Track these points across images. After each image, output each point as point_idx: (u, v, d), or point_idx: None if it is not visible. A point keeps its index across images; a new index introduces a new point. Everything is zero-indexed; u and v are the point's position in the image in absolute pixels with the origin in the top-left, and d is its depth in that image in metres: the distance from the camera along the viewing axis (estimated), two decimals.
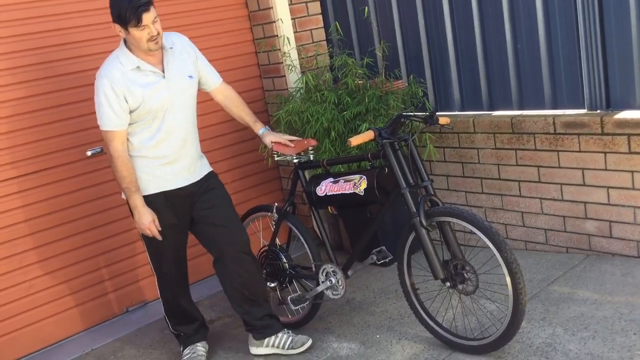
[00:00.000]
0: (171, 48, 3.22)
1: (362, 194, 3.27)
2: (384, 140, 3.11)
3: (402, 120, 3.15)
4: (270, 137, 3.51)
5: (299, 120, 4.25)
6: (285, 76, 4.65)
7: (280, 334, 3.46)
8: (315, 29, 4.82)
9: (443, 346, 3.24)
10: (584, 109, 3.74)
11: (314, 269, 3.58)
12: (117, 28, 3.04)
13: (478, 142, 4.16)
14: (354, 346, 3.44)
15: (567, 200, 3.87)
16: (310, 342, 3.44)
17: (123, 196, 3.26)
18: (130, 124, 3.15)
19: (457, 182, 4.39)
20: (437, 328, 3.26)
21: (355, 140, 3.10)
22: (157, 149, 3.20)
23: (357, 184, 3.29)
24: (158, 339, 3.94)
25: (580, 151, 3.72)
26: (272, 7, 4.56)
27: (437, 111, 4.38)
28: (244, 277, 3.38)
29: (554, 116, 3.78)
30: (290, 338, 3.44)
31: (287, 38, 4.59)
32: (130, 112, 3.11)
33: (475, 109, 4.25)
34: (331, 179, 3.43)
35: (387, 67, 4.52)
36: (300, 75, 4.57)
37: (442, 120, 3.19)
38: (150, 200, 3.23)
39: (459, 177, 4.36)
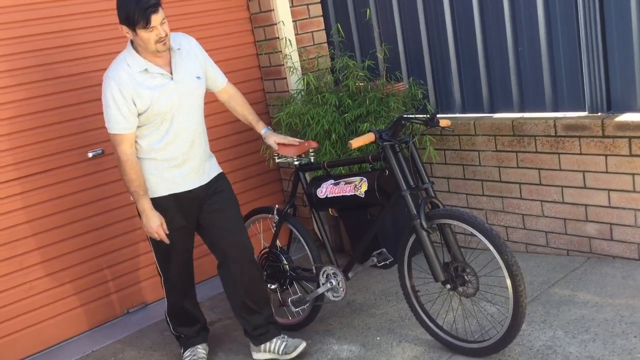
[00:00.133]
0: (179, 49, 3.18)
1: (363, 196, 3.27)
2: (385, 143, 3.11)
3: (403, 122, 3.15)
4: (273, 138, 3.51)
5: (300, 122, 4.25)
6: (286, 78, 4.66)
7: (274, 340, 3.44)
8: (317, 31, 4.83)
9: (443, 349, 3.24)
10: (585, 111, 3.74)
11: (314, 271, 3.58)
12: (125, 30, 3.01)
13: (479, 145, 4.16)
14: (355, 348, 3.44)
15: (567, 203, 3.87)
16: (303, 345, 3.41)
17: (132, 197, 3.24)
18: (138, 127, 3.12)
19: (457, 184, 4.39)
20: (437, 330, 3.25)
21: (356, 143, 3.10)
22: (166, 151, 3.18)
23: (357, 186, 3.29)
24: (158, 341, 3.94)
25: (581, 154, 3.72)
26: (273, 10, 4.57)
27: (438, 113, 4.38)
28: (246, 283, 3.37)
29: (555, 119, 3.78)
30: (284, 343, 3.42)
31: (289, 40, 4.60)
32: (139, 114, 3.08)
33: (476, 111, 4.25)
34: (332, 181, 3.44)
35: (388, 70, 4.53)
36: (301, 76, 4.58)
37: (442, 123, 3.20)
38: (160, 203, 3.21)
39: (460, 179, 4.36)
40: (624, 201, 3.63)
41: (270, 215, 3.73)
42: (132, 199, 3.24)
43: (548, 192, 3.94)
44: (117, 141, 3.10)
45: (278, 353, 3.42)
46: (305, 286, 3.79)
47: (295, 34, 4.69)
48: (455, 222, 3.01)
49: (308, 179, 3.66)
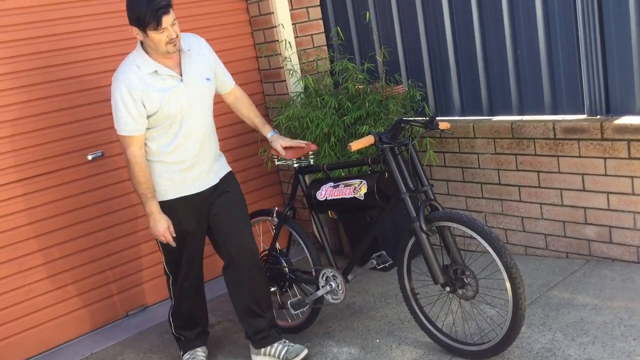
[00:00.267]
0: (188, 50, 3.15)
1: (362, 199, 3.28)
2: (384, 145, 3.11)
3: (402, 125, 3.16)
4: (280, 142, 3.47)
5: (299, 125, 4.26)
6: (285, 81, 4.66)
7: (275, 344, 3.42)
8: (316, 34, 4.84)
9: (443, 351, 3.24)
10: (584, 114, 3.74)
11: (314, 274, 3.59)
12: (135, 31, 2.97)
13: (478, 147, 4.17)
14: (354, 351, 3.44)
15: (567, 206, 3.88)
16: (305, 352, 3.40)
17: (140, 199, 3.19)
18: (148, 129, 3.10)
19: (457, 187, 4.39)
20: (436, 333, 3.26)
21: (356, 145, 3.11)
22: (175, 154, 3.16)
23: (357, 189, 3.29)
24: (158, 343, 3.94)
25: (580, 156, 3.72)
26: (273, 12, 4.58)
27: (437, 116, 4.39)
28: (251, 287, 3.36)
29: (554, 121, 3.79)
30: (286, 348, 3.41)
31: (288, 43, 4.60)
32: (148, 116, 3.06)
33: (475, 114, 4.26)
34: (331, 184, 3.44)
35: (387, 72, 4.53)
36: (299, 78, 4.59)
37: (442, 126, 3.20)
38: (170, 205, 3.19)
39: (459, 182, 4.36)
40: (623, 204, 3.63)
41: (269, 218, 3.73)
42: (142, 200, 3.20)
43: (547, 195, 3.94)
44: (126, 143, 3.08)
45: (279, 358, 3.40)
46: (304, 289, 3.79)
47: (295, 37, 4.69)
48: (454, 225, 3.01)
49: (308, 181, 3.67)
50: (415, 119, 3.23)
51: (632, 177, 3.55)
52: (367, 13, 4.57)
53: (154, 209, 3.13)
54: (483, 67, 4.13)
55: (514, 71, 4.00)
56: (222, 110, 3.69)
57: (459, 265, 3.08)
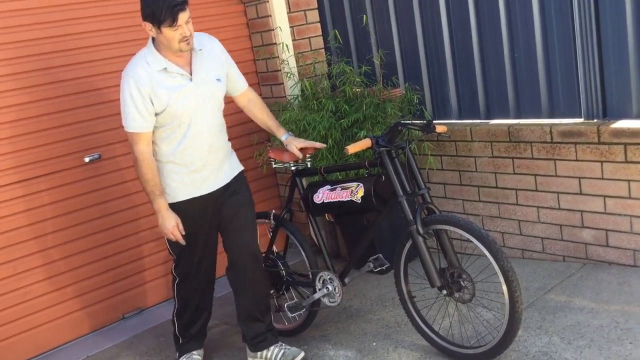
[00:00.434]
0: (200, 50, 3.12)
1: (359, 202, 3.28)
2: (381, 148, 3.12)
3: (400, 128, 3.16)
4: (295, 143, 3.42)
5: (297, 128, 4.26)
6: (283, 83, 4.67)
7: (272, 347, 3.41)
8: (314, 37, 4.84)
9: (439, 354, 3.24)
10: (581, 118, 3.75)
11: (310, 277, 3.58)
12: (148, 27, 2.93)
13: (475, 151, 4.17)
14: (351, 354, 3.44)
15: (564, 209, 3.88)
16: (301, 355, 3.38)
17: (148, 197, 3.17)
18: (157, 128, 3.08)
19: (454, 190, 4.39)
20: (433, 336, 3.25)
21: (353, 148, 3.11)
22: (184, 155, 3.14)
23: (354, 192, 3.30)
24: (154, 346, 3.94)
25: (577, 160, 3.73)
26: (270, 16, 4.59)
27: (435, 119, 4.39)
28: (254, 290, 3.36)
29: (551, 125, 3.79)
30: (282, 351, 3.39)
31: (286, 46, 4.61)
32: (156, 114, 3.04)
33: (472, 117, 4.27)
34: (328, 187, 3.44)
35: (384, 75, 4.54)
36: (297, 81, 4.59)
37: (439, 129, 3.20)
38: (180, 207, 3.18)
39: (456, 185, 4.37)
40: (619, 207, 3.64)
41: (266, 221, 3.73)
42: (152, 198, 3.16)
43: (544, 198, 3.95)
44: (133, 140, 3.06)
45: None
46: (301, 291, 3.79)
47: (293, 40, 4.70)
48: (451, 228, 3.01)
49: (305, 184, 3.67)
50: (413, 122, 3.23)
51: (628, 180, 3.56)
52: (365, 16, 4.58)
53: (162, 207, 3.10)
54: (480, 70, 4.14)
55: (511, 75, 4.01)
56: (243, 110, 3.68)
57: (456, 269, 3.08)
